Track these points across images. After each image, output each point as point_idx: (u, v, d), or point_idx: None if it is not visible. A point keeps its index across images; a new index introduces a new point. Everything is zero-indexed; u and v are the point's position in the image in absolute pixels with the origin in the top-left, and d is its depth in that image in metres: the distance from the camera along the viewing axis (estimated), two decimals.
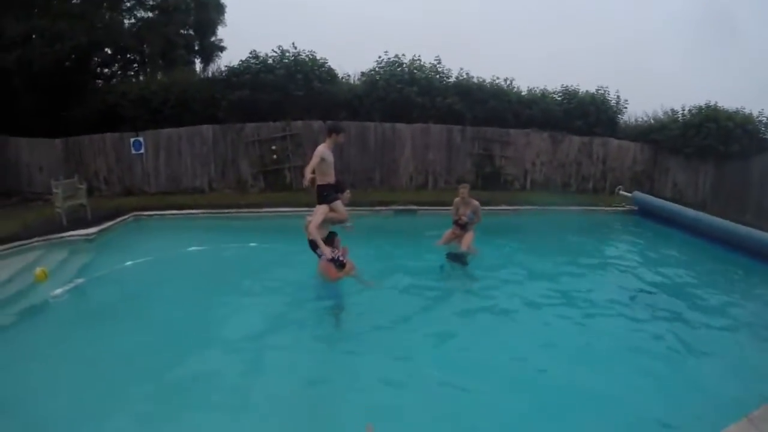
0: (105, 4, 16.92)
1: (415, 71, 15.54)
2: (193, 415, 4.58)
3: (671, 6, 34.46)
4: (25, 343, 6.07)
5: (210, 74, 16.60)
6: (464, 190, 8.76)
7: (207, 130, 14.87)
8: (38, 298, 7.27)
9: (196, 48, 19.12)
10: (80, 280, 7.91)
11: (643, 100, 19.68)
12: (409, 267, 8.58)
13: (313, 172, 6.78)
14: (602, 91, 16.91)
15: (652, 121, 17.28)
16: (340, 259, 6.96)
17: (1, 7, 14.80)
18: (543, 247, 10.58)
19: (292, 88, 14.67)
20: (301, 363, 5.58)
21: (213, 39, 19.21)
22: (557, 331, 6.42)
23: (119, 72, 18.62)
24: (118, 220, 11.50)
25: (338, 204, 7.09)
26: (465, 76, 16.13)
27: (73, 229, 10.33)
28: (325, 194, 6.96)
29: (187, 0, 17.79)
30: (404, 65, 15.65)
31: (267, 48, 15.31)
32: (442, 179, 15.58)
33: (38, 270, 7.90)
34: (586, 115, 16.45)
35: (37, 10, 15.30)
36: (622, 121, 17.69)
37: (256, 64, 15.05)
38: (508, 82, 16.47)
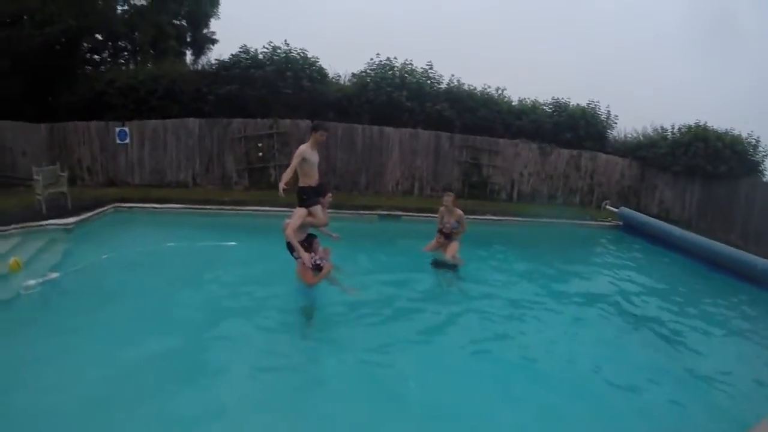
0: None
1: (406, 75, 15.46)
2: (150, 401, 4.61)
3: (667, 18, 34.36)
4: None
5: (200, 67, 16.44)
6: (448, 198, 8.64)
7: (193, 123, 14.72)
8: (10, 290, 7.09)
9: (188, 39, 18.96)
10: (54, 274, 7.73)
11: (634, 115, 19.61)
12: (389, 272, 8.53)
13: (295, 174, 6.64)
14: (593, 105, 16.89)
15: (641, 138, 17.27)
16: (318, 263, 6.81)
17: None
18: (526, 259, 10.52)
19: (281, 86, 14.55)
20: (264, 363, 5.53)
21: (206, 31, 19.12)
22: (534, 344, 6.39)
23: (109, 59, 18.42)
24: (98, 210, 11.34)
25: (317, 209, 6.90)
26: (456, 83, 16.10)
27: (52, 218, 10.19)
28: (305, 197, 6.76)
29: None
30: (395, 68, 15.57)
31: (261, 43, 15.23)
32: (429, 186, 15.51)
33: (12, 260, 7.74)
34: (575, 128, 16.42)
35: None
36: (611, 136, 17.66)
37: (246, 59, 14.92)
38: (500, 92, 16.49)
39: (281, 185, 6.55)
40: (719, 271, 10.38)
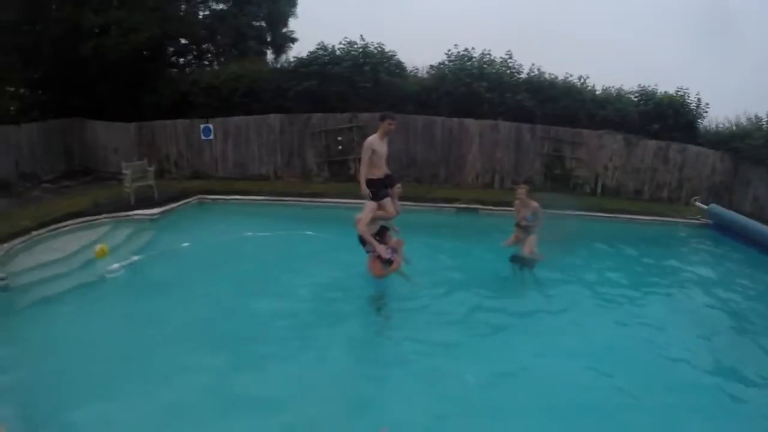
0: None
1: (485, 66, 15.17)
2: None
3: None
4: (77, 313, 6.44)
5: (279, 65, 16.82)
6: (521, 190, 8.28)
7: (274, 119, 15.07)
8: (97, 272, 7.65)
9: (268, 39, 19.49)
10: (136, 258, 8.28)
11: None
12: (463, 268, 8.40)
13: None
14: (681, 93, 15.89)
15: (734, 128, 16.12)
16: (388, 257, 6.76)
17: (80, 1, 15.52)
18: (608, 258, 9.98)
19: (359, 80, 14.67)
20: (335, 353, 5.58)
21: (284, 30, 19.58)
22: (612, 347, 6.05)
23: (193, 61, 19.20)
24: (183, 202, 11.90)
25: (387, 202, 6.81)
26: (537, 72, 15.60)
27: (139, 209, 10.81)
28: (374, 190, 6.64)
29: None
30: (474, 59, 15.31)
31: (339, 39, 15.43)
32: (510, 178, 15.07)
33: (98, 247, 8.20)
34: (663, 118, 15.50)
35: (115, 3, 15.92)
36: (701, 126, 16.59)
37: (324, 55, 15.17)
38: (582, 80, 15.80)
39: (364, 189, 6.53)
40: None
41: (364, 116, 14.59)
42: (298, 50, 17.90)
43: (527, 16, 30.92)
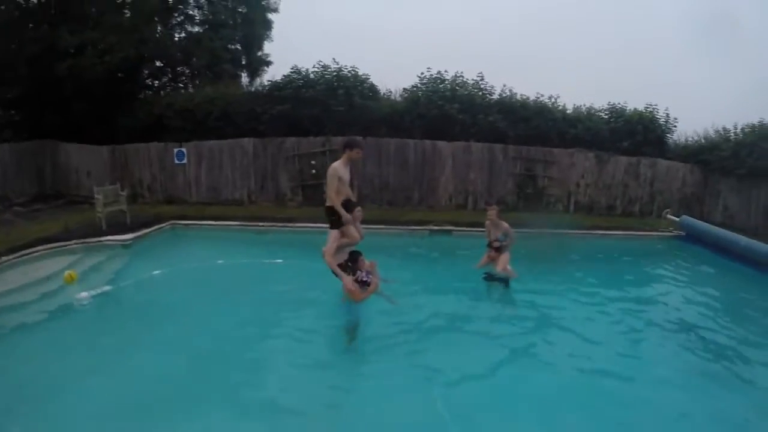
0: (156, 19, 17.42)
1: (457, 88, 15.32)
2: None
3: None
4: (45, 341, 6.29)
5: (253, 88, 16.86)
6: (492, 212, 8.47)
7: (248, 143, 15.08)
8: (65, 300, 7.52)
9: (243, 62, 19.51)
10: (107, 287, 8.10)
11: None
12: (439, 289, 8.43)
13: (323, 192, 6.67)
14: (650, 109, 16.22)
15: (703, 141, 16.46)
16: (364, 279, 6.79)
17: (56, 21, 15.50)
18: (582, 272, 10.06)
19: (332, 104, 14.73)
20: (308, 378, 5.55)
21: (259, 54, 19.65)
22: (592, 362, 6.10)
23: (168, 84, 19.16)
24: (156, 227, 11.79)
25: (348, 228, 6.78)
26: (508, 93, 15.81)
27: (111, 234, 10.69)
28: (333, 218, 6.60)
29: (235, 16, 18.20)
30: (446, 81, 15.47)
31: (313, 62, 15.51)
32: (483, 199, 15.11)
33: (67, 273, 8.13)
34: (633, 134, 15.82)
35: (91, 24, 15.86)
36: (671, 141, 16.94)
37: (297, 78, 15.21)
38: (553, 100, 16.06)
39: (345, 214, 6.49)
40: None
41: (338, 140, 14.57)
42: (273, 73, 18.01)
43: (507, 36, 31.41)
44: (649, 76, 24.45)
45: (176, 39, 18.33)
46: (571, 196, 15.61)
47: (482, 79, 15.79)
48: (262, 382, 5.52)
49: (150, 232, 11.43)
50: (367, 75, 15.49)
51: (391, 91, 16.46)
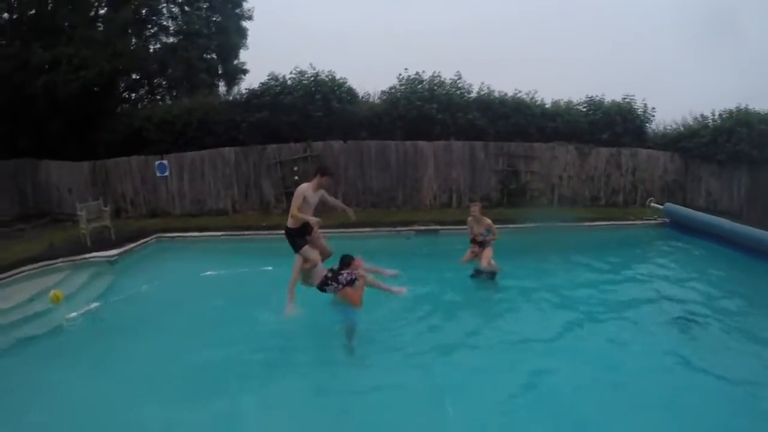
0: (129, 31, 17.26)
1: (435, 87, 15.36)
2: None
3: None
4: (33, 365, 6.17)
5: (231, 97, 16.78)
6: (475, 208, 8.81)
7: (229, 152, 14.99)
8: (53, 321, 7.40)
9: (219, 71, 19.40)
10: (95, 305, 8.04)
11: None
12: (427, 287, 8.34)
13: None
14: (628, 100, 16.41)
15: (682, 129, 16.65)
16: (352, 279, 6.81)
17: (28, 37, 15.32)
18: (569, 264, 10.18)
19: (311, 109, 14.70)
20: (306, 386, 5.55)
21: (236, 62, 19.54)
22: (581, 353, 6.17)
23: (146, 96, 19.00)
24: (141, 242, 11.66)
25: (306, 250, 6.80)
26: (486, 91, 15.90)
27: (97, 251, 10.55)
28: (291, 241, 6.73)
29: (210, 25, 18.09)
30: (424, 82, 15.50)
31: (291, 68, 15.46)
32: (467, 197, 15.19)
33: (52, 293, 7.95)
34: (612, 126, 15.98)
35: (64, 39, 15.67)
36: (650, 130, 17.13)
37: (275, 85, 15.15)
38: (531, 95, 16.16)
39: (313, 219, 6.58)
40: None
41: (318, 145, 14.64)
42: (250, 81, 17.95)
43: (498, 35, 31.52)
44: (637, 70, 24.65)
45: (151, 51, 18.11)
46: (554, 189, 15.71)
47: (459, 78, 15.88)
48: (259, 388, 5.51)
49: (135, 246, 11.29)
50: (345, 79, 15.50)
51: (369, 94, 16.49)
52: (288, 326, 7.01)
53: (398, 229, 12.50)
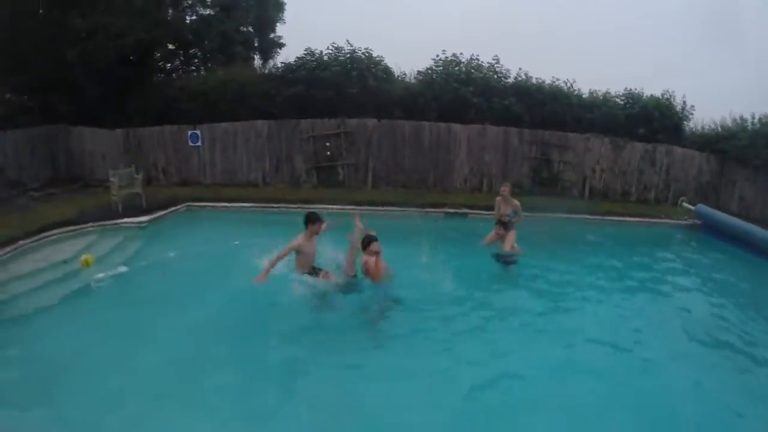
0: (167, 2, 17.34)
1: (472, 71, 15.23)
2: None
3: None
4: (63, 322, 6.39)
5: (266, 71, 16.77)
6: (505, 188, 9.06)
7: (262, 125, 15.03)
8: (82, 282, 7.61)
9: (255, 45, 19.42)
10: (123, 268, 8.19)
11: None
12: (452, 270, 8.29)
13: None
14: (667, 96, 16.06)
15: (720, 129, 16.26)
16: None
17: (66, 5, 15.40)
18: (595, 259, 10.04)
19: (347, 86, 14.65)
20: (329, 364, 5.57)
21: (272, 36, 19.56)
22: (593, 353, 6.08)
23: (180, 67, 19.06)
24: (171, 209, 11.88)
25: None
26: (524, 77, 15.70)
27: (127, 217, 10.77)
28: None
29: None
30: (461, 64, 15.37)
31: (327, 45, 15.39)
32: (498, 183, 15.04)
33: (83, 258, 8.16)
34: (649, 121, 15.65)
35: (102, 7, 15.74)
36: (687, 128, 16.75)
37: (311, 60, 15.11)
38: (569, 84, 15.89)
39: (266, 268, 6.60)
40: None
41: (352, 122, 14.60)
42: (286, 56, 17.95)
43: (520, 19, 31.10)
44: (664, 63, 24.09)
45: (187, 21, 18.19)
46: (586, 181, 15.50)
47: (498, 62, 15.69)
48: (279, 364, 5.56)
49: (165, 214, 11.54)
50: (381, 57, 15.39)
51: (405, 74, 16.36)
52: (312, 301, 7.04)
53: (428, 210, 12.46)
